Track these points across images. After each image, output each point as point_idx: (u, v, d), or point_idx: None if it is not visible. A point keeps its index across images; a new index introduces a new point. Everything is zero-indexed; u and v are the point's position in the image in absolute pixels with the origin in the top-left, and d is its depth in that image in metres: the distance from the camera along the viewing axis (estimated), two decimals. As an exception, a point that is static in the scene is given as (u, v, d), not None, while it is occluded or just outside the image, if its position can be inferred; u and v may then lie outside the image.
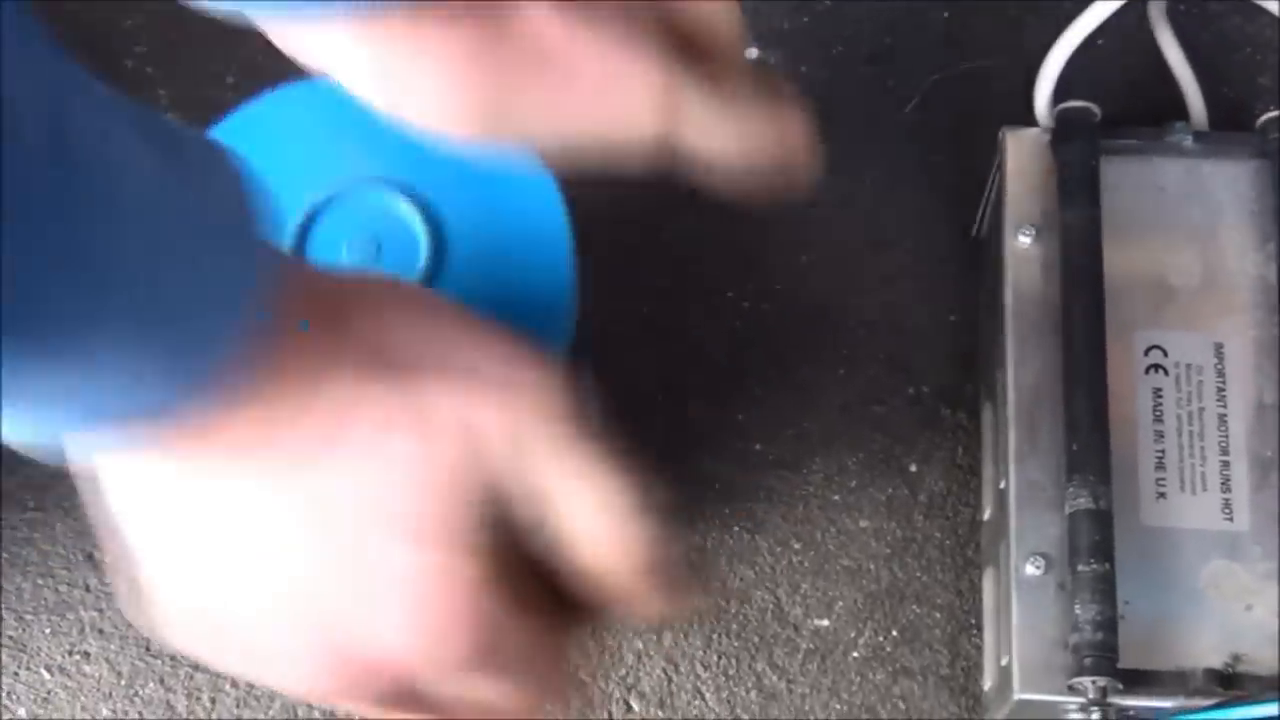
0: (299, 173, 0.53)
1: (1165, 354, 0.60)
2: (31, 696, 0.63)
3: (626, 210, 0.70)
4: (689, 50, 0.47)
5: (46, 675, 0.63)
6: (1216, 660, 0.55)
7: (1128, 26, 0.72)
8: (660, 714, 0.62)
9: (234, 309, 0.37)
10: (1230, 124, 0.68)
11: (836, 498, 0.66)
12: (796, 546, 0.65)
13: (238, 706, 0.62)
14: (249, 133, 0.54)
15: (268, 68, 0.72)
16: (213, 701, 0.62)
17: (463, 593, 0.41)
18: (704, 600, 0.48)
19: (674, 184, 0.70)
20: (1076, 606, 0.55)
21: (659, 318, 0.69)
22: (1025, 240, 0.62)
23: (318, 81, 0.56)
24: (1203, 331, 0.60)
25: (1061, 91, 0.64)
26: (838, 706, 0.63)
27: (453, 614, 0.41)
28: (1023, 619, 0.56)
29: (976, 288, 0.68)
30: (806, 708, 0.63)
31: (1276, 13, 0.71)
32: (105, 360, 0.34)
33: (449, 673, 0.42)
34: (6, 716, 0.62)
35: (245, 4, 0.43)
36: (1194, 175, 0.63)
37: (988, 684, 0.61)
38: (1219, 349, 0.60)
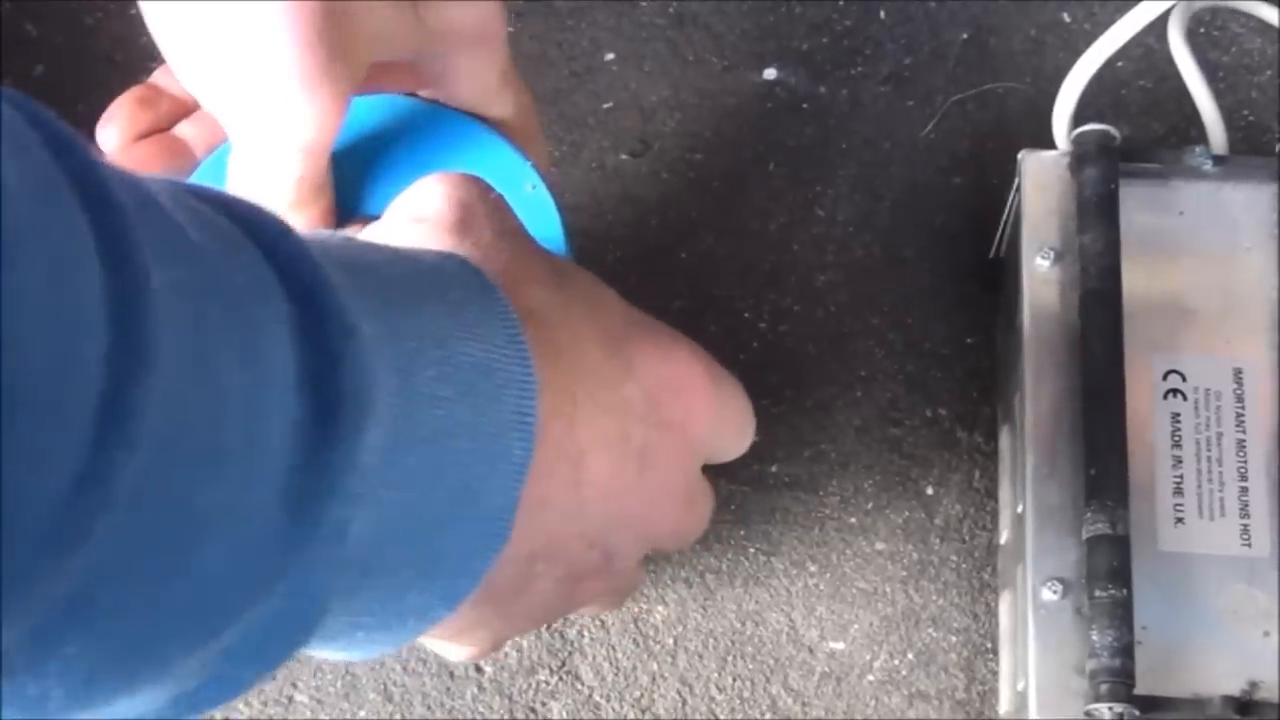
0: None
1: (1184, 378, 0.59)
2: (45, 713, 0.62)
3: (643, 231, 0.70)
4: None
5: (60, 692, 0.63)
6: (1234, 687, 0.55)
7: (1147, 49, 0.72)
8: (674, 736, 0.62)
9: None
10: (1250, 148, 0.68)
11: (853, 520, 0.66)
12: (812, 569, 0.65)
13: (251, 725, 0.62)
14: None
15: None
16: (226, 720, 0.62)
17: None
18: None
19: (690, 205, 0.71)
20: (1093, 632, 0.54)
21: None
22: (1044, 263, 0.61)
23: None
24: (1222, 356, 0.60)
25: (1080, 114, 0.64)
26: (853, 730, 0.62)
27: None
28: (1039, 644, 0.56)
29: (994, 310, 0.68)
30: (821, 731, 0.62)
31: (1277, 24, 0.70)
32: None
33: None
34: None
35: None
36: (1214, 199, 0.63)
37: (1004, 709, 0.61)
38: (1238, 374, 0.59)
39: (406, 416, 0.35)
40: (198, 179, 0.54)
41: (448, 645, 0.46)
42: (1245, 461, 0.58)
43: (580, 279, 0.46)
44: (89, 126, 0.72)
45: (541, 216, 0.53)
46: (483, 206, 0.43)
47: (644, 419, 0.44)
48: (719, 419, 0.48)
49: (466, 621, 0.43)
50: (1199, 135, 0.66)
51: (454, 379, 0.37)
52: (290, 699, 0.63)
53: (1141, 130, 0.71)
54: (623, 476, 0.44)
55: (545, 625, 0.57)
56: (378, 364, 0.34)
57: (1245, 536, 0.57)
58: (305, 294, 0.32)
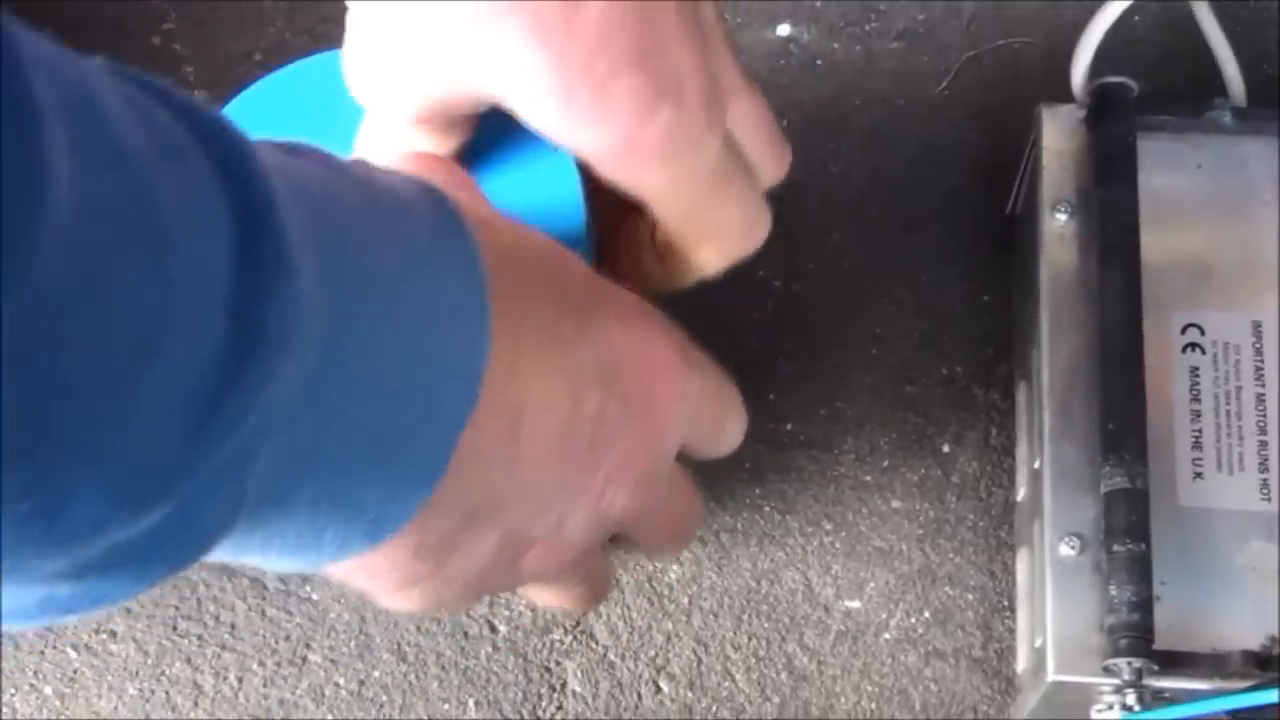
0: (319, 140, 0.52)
1: (1202, 333, 0.59)
2: (58, 675, 0.62)
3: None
4: None
5: (73, 654, 0.63)
6: (1254, 642, 0.54)
7: (1164, 3, 0.71)
8: (690, 695, 0.62)
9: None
10: (1271, 101, 0.67)
11: (868, 478, 0.65)
12: (828, 527, 0.64)
13: (264, 685, 0.62)
14: (269, 102, 0.54)
15: (294, 45, 0.72)
16: (240, 680, 0.62)
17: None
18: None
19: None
20: (1112, 587, 0.54)
21: (689, 299, 0.68)
22: (1061, 218, 0.61)
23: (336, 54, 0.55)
24: (1241, 310, 0.59)
25: (1096, 69, 0.63)
26: (869, 688, 0.62)
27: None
28: (1057, 600, 0.55)
29: (1010, 268, 0.68)
30: (837, 689, 0.62)
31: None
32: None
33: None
34: (33, 695, 0.62)
35: None
36: (1232, 152, 0.62)
37: (1021, 666, 0.60)
38: (1257, 327, 0.59)
39: (336, 359, 0.34)
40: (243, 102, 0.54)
41: (385, 599, 0.44)
42: (1264, 415, 0.58)
43: (545, 241, 0.45)
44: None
45: (560, 175, 0.53)
46: (445, 165, 0.43)
47: (599, 384, 0.43)
48: (691, 402, 0.46)
49: (402, 575, 0.42)
50: (1217, 89, 0.65)
51: (398, 325, 0.36)
52: (304, 659, 0.62)
53: (1159, 85, 0.70)
54: (570, 440, 0.42)
55: (493, 594, 0.56)
56: (312, 304, 0.32)
57: (1265, 491, 0.57)
58: (252, 219, 0.31)
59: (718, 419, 0.49)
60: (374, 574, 0.42)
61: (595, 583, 0.50)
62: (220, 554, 0.36)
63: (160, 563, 0.32)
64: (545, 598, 0.50)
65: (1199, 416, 0.58)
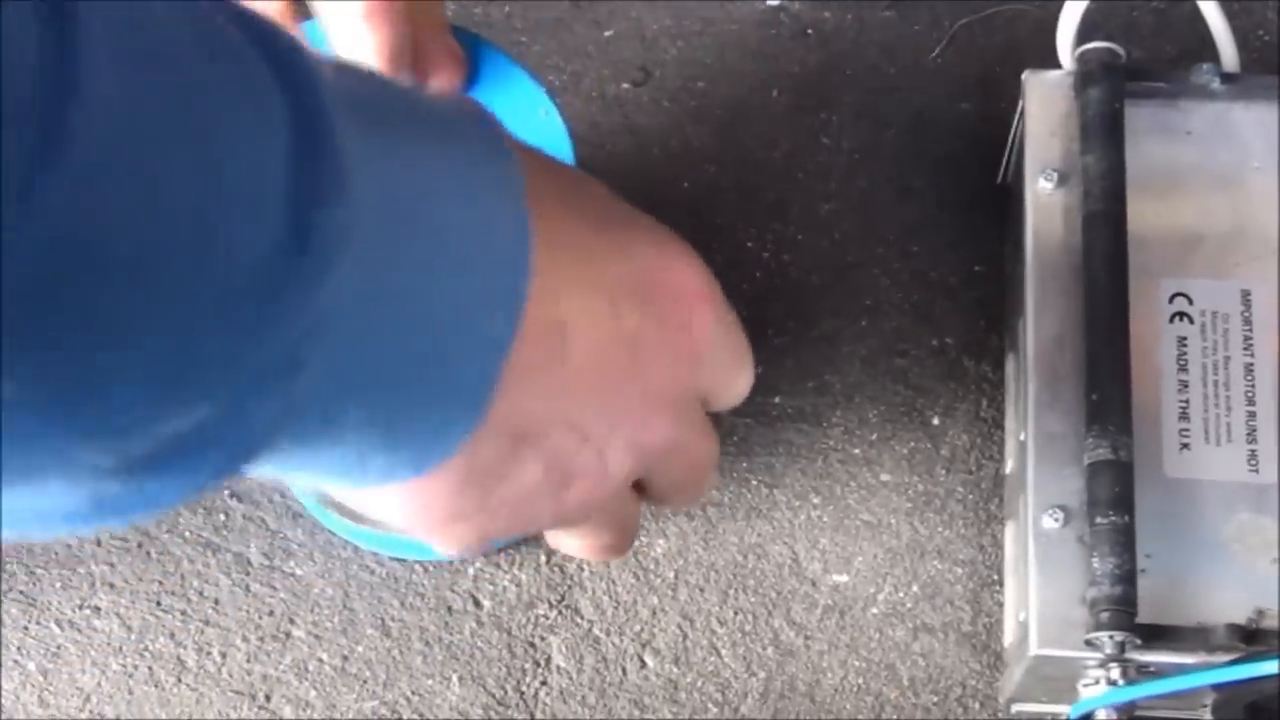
0: None
1: (1190, 301, 0.58)
2: (41, 650, 0.62)
3: (644, 161, 0.69)
4: None
5: (56, 630, 0.62)
6: (1239, 615, 0.54)
7: (1158, -33, 0.70)
8: (675, 670, 0.61)
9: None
10: (1267, 70, 0.66)
11: (857, 451, 0.65)
12: (815, 501, 0.64)
13: (248, 661, 0.62)
14: None
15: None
16: (223, 656, 0.62)
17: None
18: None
19: (693, 134, 0.69)
20: (1095, 559, 0.53)
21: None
22: (1047, 185, 0.60)
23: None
24: (1229, 279, 0.59)
25: (1090, 35, 0.62)
26: (856, 663, 0.62)
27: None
28: (1041, 573, 0.55)
29: (1001, 237, 0.67)
30: (824, 664, 0.62)
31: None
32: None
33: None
34: (16, 670, 0.62)
35: None
36: (1222, 119, 0.61)
37: (1008, 640, 0.60)
38: (1246, 296, 0.58)
39: (383, 272, 0.34)
40: None
41: (430, 538, 0.44)
42: (1253, 386, 0.57)
43: (569, 166, 0.45)
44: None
45: (553, 143, 0.53)
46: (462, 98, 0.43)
47: (636, 301, 0.42)
48: (718, 340, 0.47)
49: (448, 508, 0.42)
50: (1212, 57, 0.64)
51: (445, 239, 0.36)
52: (288, 635, 0.62)
53: (1154, 52, 0.69)
54: (612, 360, 0.42)
55: (534, 529, 0.56)
56: (364, 211, 0.33)
57: (1252, 462, 0.56)
58: (308, 122, 0.31)
59: (736, 365, 0.49)
60: (421, 508, 0.42)
61: (623, 531, 0.51)
62: (270, 469, 0.36)
63: (208, 465, 0.32)
64: (573, 545, 0.50)
65: (1186, 387, 0.57)
